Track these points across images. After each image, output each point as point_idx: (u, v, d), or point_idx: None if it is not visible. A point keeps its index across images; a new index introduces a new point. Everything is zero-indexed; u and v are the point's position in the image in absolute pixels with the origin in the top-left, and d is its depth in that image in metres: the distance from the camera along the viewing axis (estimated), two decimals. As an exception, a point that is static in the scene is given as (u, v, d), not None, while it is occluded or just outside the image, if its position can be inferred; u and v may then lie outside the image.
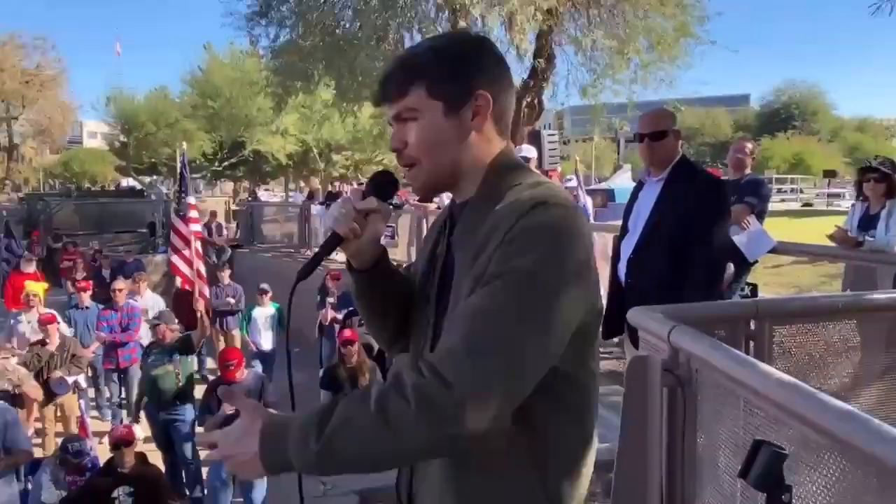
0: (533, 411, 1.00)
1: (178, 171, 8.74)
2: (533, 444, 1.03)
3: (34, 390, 6.11)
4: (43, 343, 6.59)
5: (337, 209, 1.13)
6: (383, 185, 1.15)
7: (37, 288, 7.54)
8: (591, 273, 1.03)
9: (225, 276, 9.48)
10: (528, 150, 6.42)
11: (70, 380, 6.55)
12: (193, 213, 7.71)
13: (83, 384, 7.12)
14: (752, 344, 1.82)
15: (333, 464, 0.95)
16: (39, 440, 6.48)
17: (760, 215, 4.51)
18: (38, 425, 6.52)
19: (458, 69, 1.08)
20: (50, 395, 6.46)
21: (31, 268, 9.48)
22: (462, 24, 8.57)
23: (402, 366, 0.99)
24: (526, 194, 1.03)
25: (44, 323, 6.66)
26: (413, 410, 0.90)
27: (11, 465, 4.77)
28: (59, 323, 6.86)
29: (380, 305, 1.24)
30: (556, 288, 0.96)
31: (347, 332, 6.21)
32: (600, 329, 1.11)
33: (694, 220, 2.71)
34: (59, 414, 6.59)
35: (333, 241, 1.12)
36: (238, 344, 8.55)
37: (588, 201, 8.16)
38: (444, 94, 1.08)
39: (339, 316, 7.65)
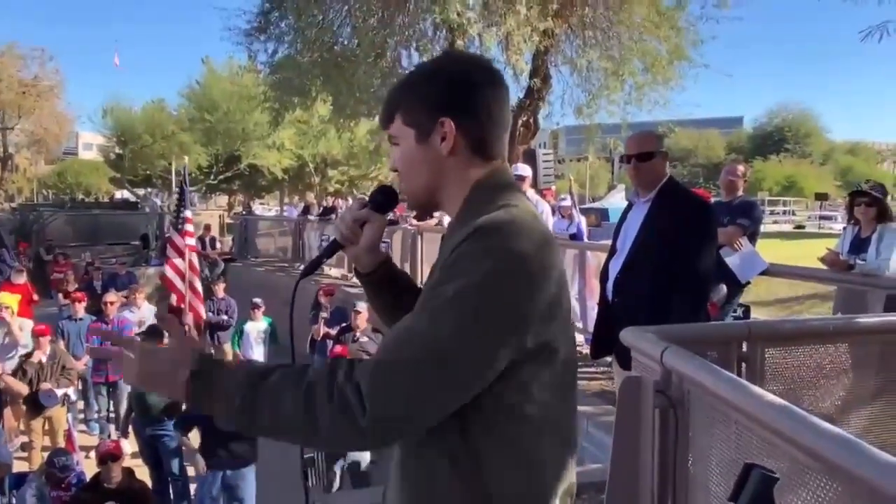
0: (474, 441, 1.01)
1: (179, 185, 8.76)
2: (476, 474, 1.02)
3: (17, 384, 6.04)
4: (30, 355, 6.53)
5: (339, 217, 1.24)
6: (382, 198, 1.24)
7: (9, 300, 7.44)
8: (532, 304, 0.99)
9: (220, 289, 9.44)
10: (524, 169, 6.46)
11: (59, 392, 6.48)
12: (189, 227, 7.70)
13: (73, 397, 7.04)
14: (744, 366, 1.82)
15: (248, 426, 1.00)
16: (25, 454, 6.39)
17: (752, 237, 4.53)
18: (25, 439, 6.43)
19: (423, 98, 1.12)
20: (38, 408, 6.38)
21: (22, 279, 9.41)
22: (459, 43, 8.65)
23: (342, 360, 1.00)
24: (481, 219, 1.02)
25: (37, 335, 6.59)
26: (333, 412, 0.93)
27: None
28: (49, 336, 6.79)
29: (387, 307, 1.34)
30: (476, 319, 0.95)
31: (338, 349, 6.19)
32: (563, 358, 1.05)
33: (679, 241, 2.73)
34: (46, 427, 6.51)
35: (332, 246, 1.25)
36: (230, 358, 8.48)
37: (582, 220, 8.19)
38: (414, 123, 1.13)
39: (332, 332, 7.62)
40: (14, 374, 6.41)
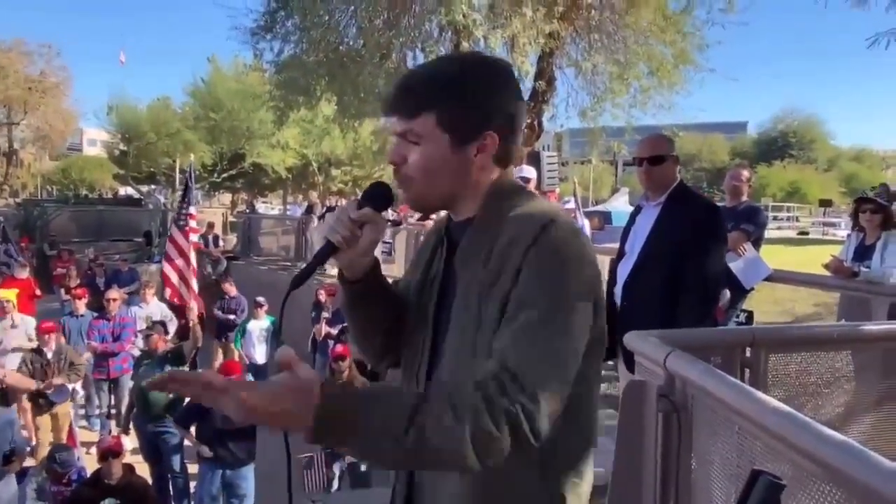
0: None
1: (185, 182, 8.75)
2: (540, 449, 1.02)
3: (24, 381, 6.05)
4: (39, 351, 6.55)
5: (332, 218, 1.11)
6: (379, 196, 1.13)
7: (9, 294, 7.45)
8: (601, 286, 1.07)
9: (230, 288, 9.41)
10: (529, 171, 6.43)
11: (70, 387, 6.49)
12: (193, 224, 7.71)
13: (80, 392, 7.06)
14: (747, 371, 1.82)
15: (415, 458, 0.92)
16: (29, 449, 6.40)
17: (757, 242, 4.52)
18: (26, 434, 6.43)
19: (472, 108, 1.07)
20: (45, 405, 6.39)
21: (25, 274, 9.43)
22: (465, 44, 8.65)
23: (482, 382, 0.93)
24: (535, 213, 1.06)
25: (43, 332, 6.61)
26: (504, 439, 0.90)
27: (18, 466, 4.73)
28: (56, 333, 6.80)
29: (370, 318, 1.22)
30: (578, 304, 1.01)
31: (340, 348, 6.19)
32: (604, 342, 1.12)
33: (690, 245, 2.72)
34: (54, 424, 6.51)
35: (327, 250, 1.10)
36: (237, 357, 8.50)
37: (586, 223, 8.18)
38: (453, 129, 1.07)
39: (334, 331, 7.63)
40: (19, 370, 6.42)
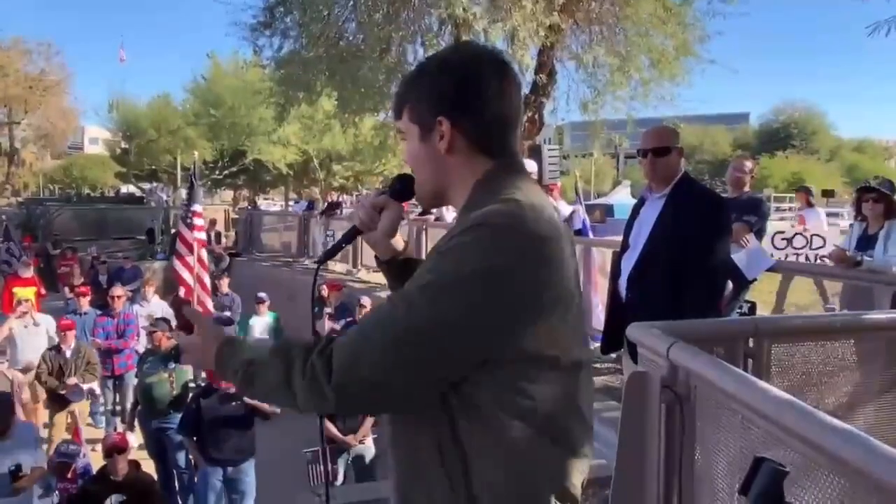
0: (461, 434, 1.02)
1: (189, 180, 8.76)
2: (462, 466, 1.03)
3: (35, 389, 6.07)
4: (58, 349, 6.58)
5: (357, 206, 1.28)
6: (400, 186, 1.23)
7: (28, 294, 7.50)
8: (521, 303, 0.98)
9: (224, 285, 9.45)
10: (530, 165, 6.42)
11: (85, 388, 6.53)
12: (199, 221, 7.71)
13: (97, 391, 7.11)
14: (750, 362, 1.82)
15: (248, 394, 1.35)
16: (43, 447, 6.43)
17: (759, 234, 4.52)
18: (45, 434, 6.47)
19: (426, 95, 1.12)
20: (64, 403, 6.42)
21: (29, 273, 9.46)
22: (465, 38, 8.62)
23: (324, 338, 1.09)
24: (482, 211, 1.02)
25: (63, 329, 6.64)
26: (305, 383, 1.02)
27: (33, 482, 4.68)
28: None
29: None
30: (459, 310, 0.96)
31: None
32: (568, 360, 1.05)
33: (695, 237, 2.72)
34: (69, 421, 6.54)
35: (352, 232, 1.29)
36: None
37: (586, 217, 8.17)
38: (417, 120, 1.13)
39: (337, 326, 7.64)
40: (38, 367, 6.46)
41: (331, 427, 5.37)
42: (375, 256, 1.35)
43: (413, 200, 1.26)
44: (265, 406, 5.17)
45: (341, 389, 0.99)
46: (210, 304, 7.48)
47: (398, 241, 1.30)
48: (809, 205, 7.46)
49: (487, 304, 0.96)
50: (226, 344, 1.17)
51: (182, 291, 7.88)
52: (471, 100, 1.10)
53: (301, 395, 1.03)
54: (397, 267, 1.30)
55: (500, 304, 0.97)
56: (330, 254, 1.29)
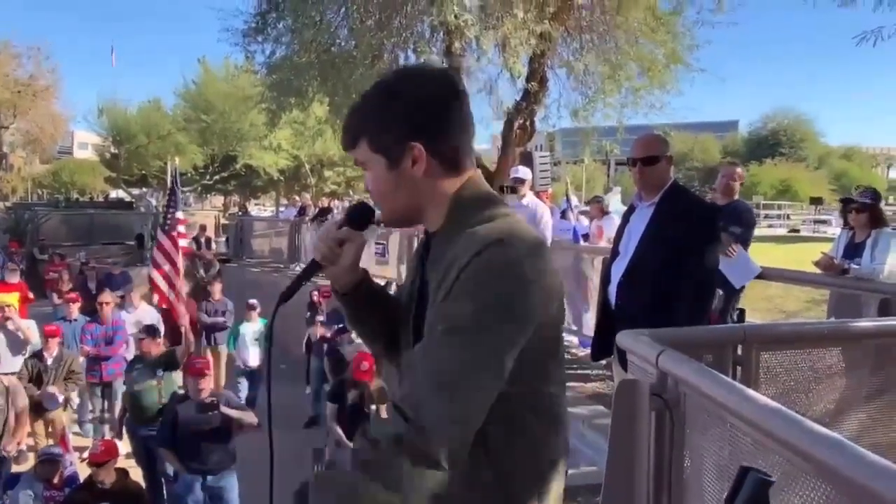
0: (489, 437, 1.05)
1: (170, 185, 8.69)
2: (495, 468, 1.08)
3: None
4: (40, 356, 6.51)
5: (317, 238, 1.23)
6: (358, 216, 1.23)
7: (10, 299, 7.40)
8: (536, 310, 1.04)
9: (216, 290, 9.37)
10: (524, 172, 6.42)
11: (60, 397, 6.45)
12: (181, 228, 7.65)
13: (76, 400, 7.01)
14: (739, 369, 1.83)
15: None
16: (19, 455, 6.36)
17: (745, 242, 4.55)
18: (31, 441, 6.39)
19: (389, 125, 1.12)
20: (40, 411, 6.35)
21: (15, 278, 9.36)
22: (457, 45, 8.66)
23: (382, 422, 1.08)
24: (483, 230, 1.06)
25: (47, 335, 6.57)
26: (409, 468, 0.99)
27: None
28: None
29: (366, 325, 1.34)
30: (498, 331, 1.01)
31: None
32: (559, 354, 1.15)
33: (685, 245, 2.73)
34: (49, 430, 6.46)
35: (312, 267, 1.24)
36: (224, 360, 8.45)
37: (577, 224, 8.21)
38: (383, 150, 1.13)
39: (329, 333, 7.61)
40: (18, 374, 6.38)
41: (338, 431, 5.38)
42: (333, 289, 1.31)
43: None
44: (244, 417, 5.12)
45: (442, 443, 0.98)
46: (183, 311, 7.33)
47: (357, 272, 1.27)
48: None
49: (521, 320, 1.03)
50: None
51: (156, 299, 7.78)
52: (440, 122, 1.13)
53: (411, 483, 1.00)
54: (356, 299, 1.28)
55: (527, 317, 1.04)
56: (290, 292, 1.21)
